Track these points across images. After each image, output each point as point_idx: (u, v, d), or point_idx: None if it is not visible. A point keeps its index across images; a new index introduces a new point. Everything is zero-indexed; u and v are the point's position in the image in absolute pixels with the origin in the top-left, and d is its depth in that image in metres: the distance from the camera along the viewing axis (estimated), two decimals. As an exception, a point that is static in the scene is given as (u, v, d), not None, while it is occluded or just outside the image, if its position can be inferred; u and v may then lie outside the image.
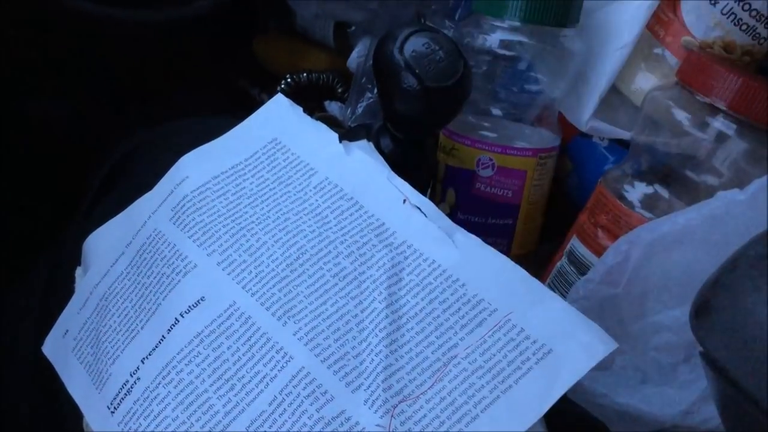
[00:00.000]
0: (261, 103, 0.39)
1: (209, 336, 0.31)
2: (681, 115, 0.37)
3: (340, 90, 0.58)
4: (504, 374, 0.28)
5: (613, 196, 0.39)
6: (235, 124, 0.38)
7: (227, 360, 0.30)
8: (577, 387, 0.28)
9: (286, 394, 0.29)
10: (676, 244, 0.33)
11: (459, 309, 0.30)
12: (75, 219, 0.49)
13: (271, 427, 0.28)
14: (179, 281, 0.32)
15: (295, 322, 0.30)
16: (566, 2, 0.40)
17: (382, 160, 0.36)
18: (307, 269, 0.32)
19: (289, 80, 0.58)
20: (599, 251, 0.38)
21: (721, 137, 0.36)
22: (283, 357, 0.30)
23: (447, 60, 0.35)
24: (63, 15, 0.52)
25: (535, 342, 0.29)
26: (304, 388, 0.29)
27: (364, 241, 0.33)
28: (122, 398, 0.31)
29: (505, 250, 0.44)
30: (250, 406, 0.29)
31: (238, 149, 0.37)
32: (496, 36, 0.41)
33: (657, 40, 0.42)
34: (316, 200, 0.35)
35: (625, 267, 0.35)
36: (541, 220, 0.46)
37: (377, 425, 0.28)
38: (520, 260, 0.32)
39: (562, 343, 0.29)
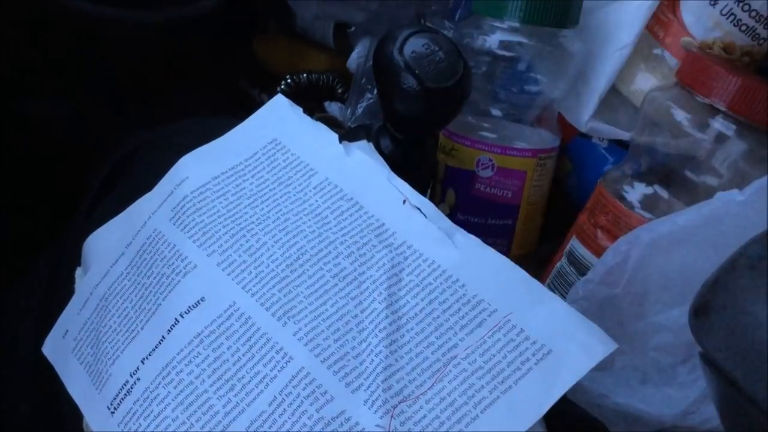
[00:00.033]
0: (261, 103, 0.39)
1: (209, 336, 0.31)
2: (681, 116, 0.37)
3: (340, 90, 0.58)
4: (504, 375, 0.28)
5: (613, 197, 0.39)
6: (235, 125, 0.38)
7: (227, 360, 0.30)
8: (576, 387, 0.29)
9: (286, 395, 0.29)
10: (676, 244, 0.33)
11: (459, 309, 0.30)
12: (75, 219, 0.49)
13: (271, 427, 0.28)
14: (179, 281, 0.32)
15: (295, 323, 0.30)
16: (566, 3, 0.40)
17: (382, 160, 0.36)
18: (307, 270, 0.32)
19: (289, 81, 0.58)
20: (599, 252, 0.38)
21: (720, 138, 0.36)
22: (283, 357, 0.30)
23: (447, 61, 0.35)
24: (63, 15, 0.52)
25: (534, 342, 0.29)
26: (304, 389, 0.29)
27: (364, 242, 0.33)
28: (122, 398, 0.31)
29: (505, 251, 0.44)
30: (250, 407, 0.29)
31: (238, 150, 0.37)
32: (495, 37, 0.41)
33: (656, 41, 0.42)
34: (316, 201, 0.35)
35: (624, 267, 0.35)
36: (540, 221, 0.46)
37: (377, 425, 0.28)
38: (520, 261, 0.32)
39: (562, 344, 0.29)
